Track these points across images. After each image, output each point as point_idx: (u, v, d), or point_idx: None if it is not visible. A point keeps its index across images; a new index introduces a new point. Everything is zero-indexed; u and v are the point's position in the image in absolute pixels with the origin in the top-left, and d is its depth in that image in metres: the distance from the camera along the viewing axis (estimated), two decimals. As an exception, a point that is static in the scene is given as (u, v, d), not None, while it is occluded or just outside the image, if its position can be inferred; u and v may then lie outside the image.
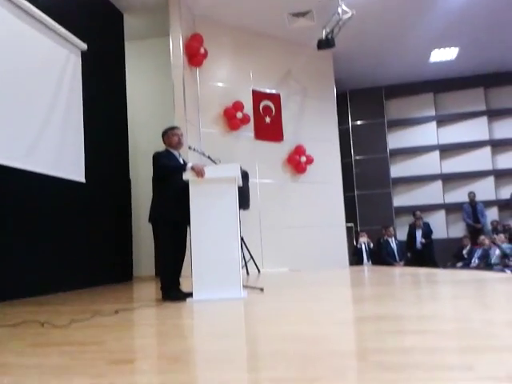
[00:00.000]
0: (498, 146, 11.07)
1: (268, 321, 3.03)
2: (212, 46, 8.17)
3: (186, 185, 4.11)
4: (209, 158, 4.52)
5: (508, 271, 7.42)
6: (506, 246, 8.65)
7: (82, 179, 6.24)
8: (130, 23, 8.15)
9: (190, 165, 4.07)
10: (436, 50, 9.92)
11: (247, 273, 7.28)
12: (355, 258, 10.03)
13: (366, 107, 11.62)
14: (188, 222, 4.14)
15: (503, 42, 9.53)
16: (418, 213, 10.73)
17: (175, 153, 4.37)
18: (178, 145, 4.41)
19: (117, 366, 1.89)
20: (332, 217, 9.41)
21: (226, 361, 1.93)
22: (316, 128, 9.54)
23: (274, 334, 2.52)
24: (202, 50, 7.82)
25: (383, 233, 10.37)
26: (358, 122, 11.72)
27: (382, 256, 10.16)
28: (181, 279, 4.36)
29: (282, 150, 9.12)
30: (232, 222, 4.12)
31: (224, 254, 4.03)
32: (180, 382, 1.64)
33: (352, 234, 10.92)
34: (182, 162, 4.35)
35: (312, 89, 9.62)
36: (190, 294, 4.03)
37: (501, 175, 10.95)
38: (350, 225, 10.90)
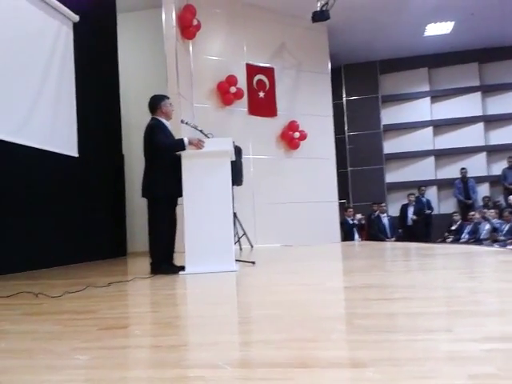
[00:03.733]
0: (490, 121, 11.09)
1: (259, 290, 3.10)
2: (205, 18, 8.05)
3: (179, 158, 4.12)
4: (201, 131, 4.51)
5: (496, 246, 7.55)
6: (495, 221, 8.78)
7: (75, 153, 6.22)
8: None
9: (186, 140, 4.06)
10: (431, 24, 9.83)
11: (240, 248, 7.35)
12: (345, 233, 10.10)
13: (361, 82, 11.55)
14: (179, 196, 4.17)
15: (499, 17, 9.45)
16: (423, 188, 10.76)
17: (167, 124, 4.33)
18: (172, 114, 4.38)
19: (109, 331, 1.95)
20: (325, 193, 9.46)
21: (217, 325, 1.99)
22: (310, 103, 9.49)
23: (265, 301, 2.59)
24: (195, 22, 7.71)
25: (375, 209, 10.46)
26: (352, 97, 11.68)
27: (373, 232, 10.27)
28: (174, 255, 4.41)
29: (276, 125, 9.09)
30: (225, 196, 4.15)
31: (217, 228, 4.07)
32: (171, 344, 1.69)
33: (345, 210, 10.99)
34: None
35: (306, 63, 9.54)
36: (183, 268, 4.09)
37: (493, 151, 11.00)
38: (342, 201, 10.95)
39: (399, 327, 1.79)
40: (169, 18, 7.43)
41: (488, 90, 11.13)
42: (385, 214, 10.37)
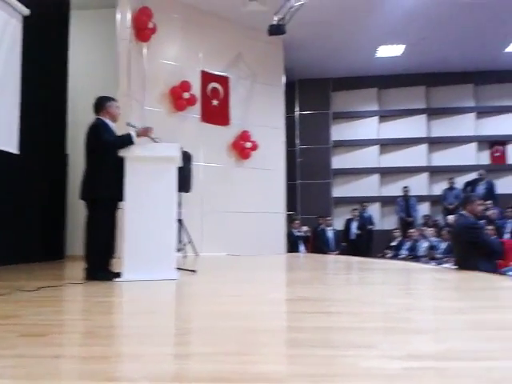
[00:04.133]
0: (434, 143, 11.59)
1: (196, 300, 3.06)
2: (162, 22, 7.95)
3: (122, 161, 4.01)
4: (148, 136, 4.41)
5: (433, 263, 7.84)
6: (433, 239, 9.14)
7: (15, 150, 5.95)
8: (77, -9, 7.78)
9: (133, 133, 3.98)
10: (383, 46, 10.19)
11: (185, 256, 7.24)
12: (290, 245, 10.19)
13: (314, 97, 11.78)
14: (121, 200, 4.06)
15: (447, 43, 9.93)
16: (365, 204, 11.04)
17: (112, 125, 4.22)
18: (118, 116, 4.28)
19: (28, 339, 1.84)
20: (273, 204, 9.53)
21: (145, 336, 1.93)
22: (263, 114, 9.57)
23: (201, 312, 2.55)
24: (151, 25, 7.61)
25: (320, 222, 10.64)
26: (305, 112, 11.88)
27: (318, 244, 10.43)
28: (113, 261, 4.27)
29: (228, 134, 9.09)
30: (168, 202, 4.08)
31: (158, 235, 3.98)
32: (90, 354, 1.62)
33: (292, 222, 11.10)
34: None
35: (261, 75, 9.62)
36: (118, 275, 3.96)
37: (435, 172, 11.49)
38: (290, 213, 11.07)
39: (328, 342, 1.80)
40: (123, 18, 7.29)
41: (433, 113, 11.64)
42: (330, 228, 10.56)
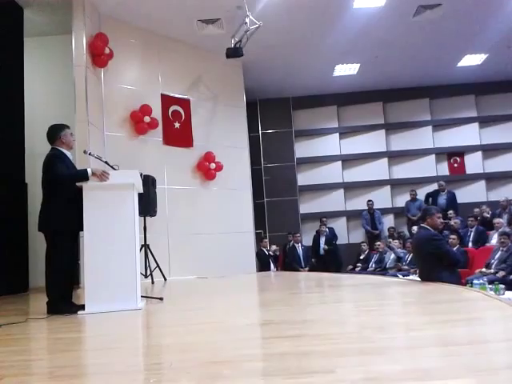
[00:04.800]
0: (393, 157, 11.90)
1: (158, 331, 3.00)
2: (119, 47, 7.94)
3: (80, 190, 3.95)
4: (106, 163, 4.35)
5: (400, 275, 7.98)
6: (399, 250, 9.31)
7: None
8: (31, 18, 7.69)
9: (89, 170, 3.90)
10: (339, 65, 10.45)
11: (152, 282, 7.11)
12: (261, 263, 10.18)
13: (275, 116, 11.95)
14: (80, 230, 3.98)
15: (401, 60, 10.28)
16: (324, 219, 11.20)
17: (68, 154, 4.15)
18: (73, 145, 4.22)
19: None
20: (241, 223, 9.52)
21: (104, 374, 1.88)
22: (226, 135, 9.61)
23: (160, 344, 2.51)
24: (107, 50, 7.57)
25: (290, 239, 10.69)
26: (268, 131, 12.01)
27: (288, 261, 10.46)
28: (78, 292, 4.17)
29: (192, 156, 9.07)
30: (130, 230, 4.02)
31: (120, 264, 3.91)
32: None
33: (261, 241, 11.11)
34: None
35: (222, 96, 9.69)
36: (83, 307, 3.87)
37: (396, 185, 11.77)
38: (259, 231, 11.09)
39: (285, 369, 1.80)
40: (79, 44, 7.24)
41: (391, 127, 11.98)
42: (299, 244, 10.62)
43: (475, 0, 8.04)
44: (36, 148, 7.63)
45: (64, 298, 3.98)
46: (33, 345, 2.85)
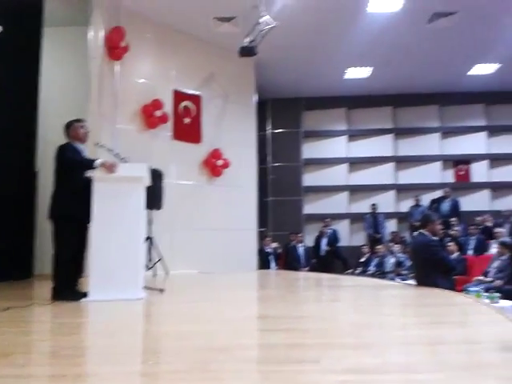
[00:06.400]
0: (400, 162, 11.95)
1: (158, 320, 3.14)
2: (134, 41, 8.06)
3: (89, 181, 4.09)
4: (117, 155, 4.50)
5: (398, 279, 8.06)
6: (400, 255, 9.39)
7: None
8: (51, 8, 7.83)
9: (99, 161, 4.04)
10: (351, 67, 10.53)
11: (155, 274, 7.24)
12: (262, 262, 10.28)
13: (285, 116, 12.03)
14: (88, 221, 4.12)
15: (413, 66, 10.31)
16: (327, 220, 11.27)
17: (80, 147, 4.29)
18: (85, 137, 4.35)
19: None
20: (245, 221, 9.62)
21: (108, 355, 2.02)
22: (235, 133, 9.71)
23: (159, 331, 2.64)
24: (123, 44, 7.69)
25: (292, 238, 10.79)
26: (277, 130, 12.11)
27: (289, 261, 10.57)
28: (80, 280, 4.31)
29: (200, 152, 9.18)
30: (136, 223, 4.16)
31: (125, 255, 4.04)
32: (52, 374, 1.70)
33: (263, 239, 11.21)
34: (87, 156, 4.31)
35: (233, 94, 9.79)
36: (86, 295, 3.99)
37: (402, 190, 11.81)
38: (262, 229, 11.20)
39: (273, 358, 1.93)
40: (96, 37, 7.37)
41: (399, 132, 12.02)
42: (301, 244, 10.72)
43: (491, 10, 8.07)
44: (48, 137, 7.79)
45: (69, 286, 4.10)
46: (38, 327, 3.00)
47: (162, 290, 4.65)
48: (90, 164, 4.05)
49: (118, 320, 3.14)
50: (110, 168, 4.02)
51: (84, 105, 7.24)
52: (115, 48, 7.65)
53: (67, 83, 8.28)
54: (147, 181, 4.42)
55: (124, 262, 4.02)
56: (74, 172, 4.12)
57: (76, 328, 2.94)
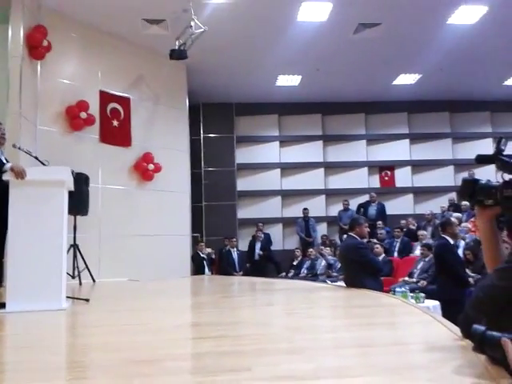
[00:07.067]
0: (330, 167, 12.31)
1: (80, 331, 2.95)
2: (58, 40, 7.67)
3: (6, 186, 3.79)
4: (36, 158, 4.23)
5: (329, 281, 8.25)
6: (331, 258, 9.63)
7: None
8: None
9: (9, 165, 3.76)
10: (282, 75, 10.69)
11: (80, 283, 6.88)
12: (196, 267, 10.16)
13: (218, 121, 12.00)
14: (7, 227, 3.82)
15: (340, 75, 10.67)
16: (260, 225, 11.37)
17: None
18: (0, 140, 4.06)
19: None
20: (178, 226, 9.44)
21: (22, 371, 1.85)
22: (167, 137, 9.53)
23: (78, 344, 2.48)
24: (45, 43, 7.31)
25: (226, 243, 10.74)
26: (210, 135, 12.04)
27: (223, 266, 10.51)
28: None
29: (130, 155, 8.91)
30: (58, 229, 3.91)
31: (45, 263, 3.79)
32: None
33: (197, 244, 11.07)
34: (4, 160, 4.00)
35: (164, 97, 9.61)
36: (3, 305, 3.71)
37: (331, 194, 12.18)
38: (196, 234, 11.06)
39: (205, 367, 1.85)
40: (16, 35, 6.94)
41: (328, 139, 12.39)
42: (235, 249, 10.70)
43: (413, 23, 8.52)
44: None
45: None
46: None
47: (87, 300, 4.40)
48: None
49: (38, 332, 2.91)
50: (18, 174, 3.74)
51: (2, 104, 6.78)
52: (36, 47, 7.27)
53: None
54: (70, 185, 4.18)
55: (45, 271, 3.76)
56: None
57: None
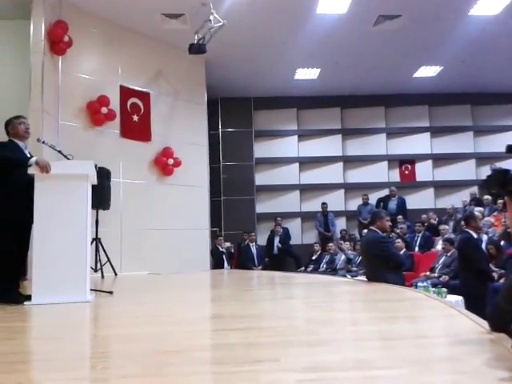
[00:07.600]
0: (349, 161, 12.21)
1: (107, 323, 2.99)
2: (79, 36, 7.74)
3: (31, 180, 3.86)
4: (60, 152, 4.28)
5: (349, 276, 8.21)
6: (350, 252, 9.58)
7: None
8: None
9: (34, 159, 3.82)
10: (300, 68, 10.62)
11: (102, 276, 6.98)
12: (215, 261, 10.21)
13: (236, 115, 11.98)
14: (32, 221, 3.89)
15: (360, 68, 10.55)
16: (279, 219, 11.36)
17: (20, 144, 4.07)
18: (25, 134, 4.12)
19: None
20: (197, 220, 9.49)
21: (49, 361, 1.88)
22: (186, 131, 9.56)
23: (108, 335, 2.51)
24: (66, 38, 7.38)
25: (245, 238, 10.76)
26: (228, 129, 12.04)
27: (242, 260, 10.54)
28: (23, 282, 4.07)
29: (150, 150, 8.97)
30: (81, 222, 3.96)
31: (70, 256, 3.85)
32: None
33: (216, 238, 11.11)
34: (28, 154, 4.07)
35: (183, 92, 9.64)
36: (29, 297, 3.78)
37: (350, 189, 12.08)
38: (214, 229, 11.10)
39: (233, 358, 1.86)
40: (37, 31, 7.02)
41: (347, 133, 12.27)
42: (254, 243, 10.72)
43: (434, 14, 8.36)
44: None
45: (11, 288, 3.88)
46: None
47: (111, 293, 4.46)
48: (23, 161, 3.83)
49: (64, 324, 2.96)
50: (42, 168, 3.80)
51: (26, 100, 6.88)
52: (58, 42, 7.34)
53: (7, 78, 7.84)
54: (94, 179, 4.23)
55: (69, 264, 3.82)
56: (12, 171, 3.88)
57: (18, 333, 2.75)
